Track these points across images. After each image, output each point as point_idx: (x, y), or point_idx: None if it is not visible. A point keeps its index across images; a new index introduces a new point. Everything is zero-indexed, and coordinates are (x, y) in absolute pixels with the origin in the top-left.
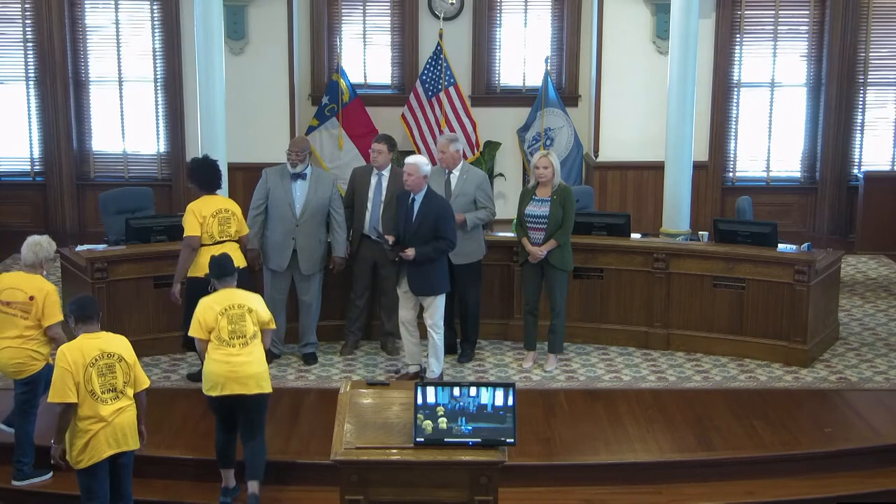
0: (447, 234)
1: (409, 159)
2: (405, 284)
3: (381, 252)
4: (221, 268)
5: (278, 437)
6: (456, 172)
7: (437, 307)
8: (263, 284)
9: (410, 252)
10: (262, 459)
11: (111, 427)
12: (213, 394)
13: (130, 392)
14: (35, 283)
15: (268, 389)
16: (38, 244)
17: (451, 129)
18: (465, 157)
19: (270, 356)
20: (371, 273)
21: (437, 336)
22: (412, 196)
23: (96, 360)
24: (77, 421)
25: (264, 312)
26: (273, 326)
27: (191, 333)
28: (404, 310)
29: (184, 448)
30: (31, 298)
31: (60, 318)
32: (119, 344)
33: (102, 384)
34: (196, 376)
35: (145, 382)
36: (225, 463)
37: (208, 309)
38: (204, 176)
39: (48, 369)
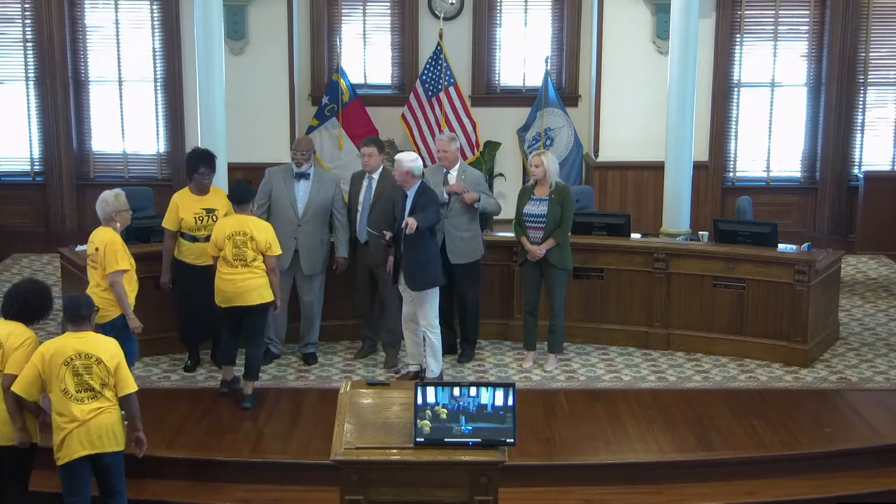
0: (430, 206)
1: (397, 156)
2: (403, 281)
3: (377, 257)
4: (239, 194)
5: (278, 438)
6: (454, 172)
7: (430, 307)
8: None
9: (412, 221)
10: (258, 363)
11: (85, 427)
12: (222, 306)
13: (110, 394)
14: (102, 235)
15: (269, 298)
16: (104, 200)
17: (451, 129)
18: (464, 156)
19: (270, 356)
20: (370, 278)
21: (433, 336)
22: (406, 192)
23: (71, 359)
24: (53, 417)
25: (264, 241)
26: (275, 252)
27: (209, 251)
28: (406, 306)
29: (184, 448)
30: (97, 250)
31: (119, 266)
32: (101, 346)
33: (78, 383)
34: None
35: (130, 388)
36: (226, 361)
37: (220, 231)
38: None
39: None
